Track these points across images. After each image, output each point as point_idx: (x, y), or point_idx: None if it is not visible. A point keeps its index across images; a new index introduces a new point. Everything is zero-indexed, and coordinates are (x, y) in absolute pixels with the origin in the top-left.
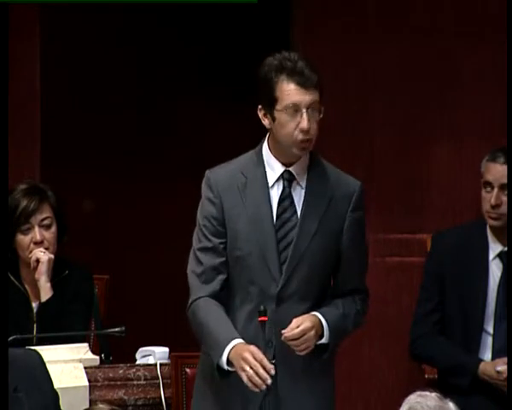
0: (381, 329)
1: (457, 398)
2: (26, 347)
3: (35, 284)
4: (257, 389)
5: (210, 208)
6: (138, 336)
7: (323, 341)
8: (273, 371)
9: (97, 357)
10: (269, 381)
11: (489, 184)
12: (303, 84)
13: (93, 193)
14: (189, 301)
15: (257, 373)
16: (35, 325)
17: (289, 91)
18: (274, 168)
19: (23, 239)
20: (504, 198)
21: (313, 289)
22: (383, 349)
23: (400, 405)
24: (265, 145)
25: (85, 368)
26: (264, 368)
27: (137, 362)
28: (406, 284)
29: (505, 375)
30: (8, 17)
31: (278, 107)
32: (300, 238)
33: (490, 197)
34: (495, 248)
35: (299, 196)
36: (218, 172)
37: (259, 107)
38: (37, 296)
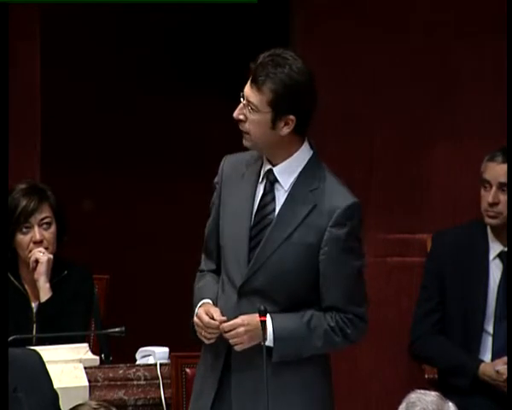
0: (381, 329)
1: (457, 398)
2: (26, 347)
3: (34, 284)
4: (208, 341)
5: (215, 193)
6: (138, 336)
7: (268, 344)
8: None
9: (97, 357)
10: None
11: (487, 182)
12: (252, 79)
13: (93, 193)
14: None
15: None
16: (34, 325)
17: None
18: (265, 166)
19: (23, 239)
20: (502, 197)
21: (281, 294)
22: (383, 349)
23: (400, 405)
24: None
25: (85, 368)
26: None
27: (137, 362)
28: (406, 284)
29: (505, 375)
30: (8, 17)
31: None
32: (270, 240)
33: (488, 196)
34: (495, 248)
35: (281, 198)
36: (231, 159)
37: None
38: (37, 296)
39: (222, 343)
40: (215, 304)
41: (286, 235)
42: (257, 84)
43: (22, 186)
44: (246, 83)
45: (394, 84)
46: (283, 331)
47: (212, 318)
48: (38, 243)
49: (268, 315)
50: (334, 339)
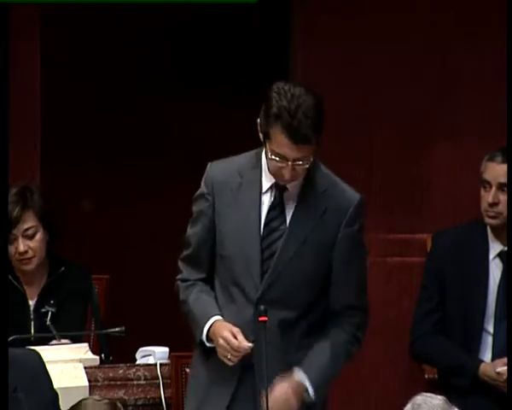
0: (381, 329)
1: (457, 398)
2: (26, 346)
3: (31, 283)
4: (231, 363)
5: (203, 204)
6: (138, 336)
7: (310, 399)
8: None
9: (97, 357)
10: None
11: (487, 182)
12: (295, 141)
13: (93, 193)
14: (176, 278)
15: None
16: (32, 323)
17: (281, 142)
18: (268, 175)
19: (9, 248)
20: (502, 197)
21: (299, 300)
22: (383, 349)
23: (400, 405)
24: (264, 151)
25: (85, 368)
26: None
27: (137, 362)
28: (406, 284)
29: (505, 376)
30: (8, 17)
31: (269, 144)
32: (285, 249)
33: (488, 196)
34: (495, 247)
35: (291, 205)
36: (218, 167)
37: (259, 121)
38: (34, 294)
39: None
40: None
41: (301, 241)
42: (304, 141)
43: (12, 191)
44: (246, 83)
45: (394, 84)
46: (320, 381)
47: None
48: (23, 253)
49: (302, 372)
50: (353, 352)
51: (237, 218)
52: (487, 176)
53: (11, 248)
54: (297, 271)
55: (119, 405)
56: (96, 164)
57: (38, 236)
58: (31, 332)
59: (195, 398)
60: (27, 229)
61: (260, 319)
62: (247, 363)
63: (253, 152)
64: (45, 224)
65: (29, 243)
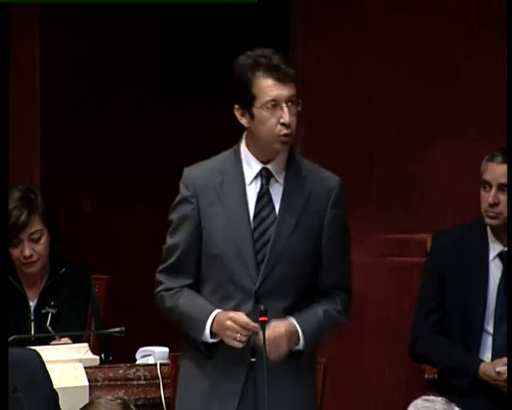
0: (381, 329)
1: (458, 398)
2: (26, 347)
3: (32, 283)
4: (240, 345)
5: (186, 208)
6: (138, 336)
7: (299, 347)
8: (255, 325)
9: (97, 357)
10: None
11: (487, 183)
12: (280, 78)
13: (93, 193)
14: (156, 291)
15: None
16: (32, 324)
17: (267, 87)
18: (252, 166)
19: (13, 252)
20: (502, 197)
21: (294, 286)
22: (383, 349)
23: (400, 405)
24: (243, 143)
25: (85, 368)
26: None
27: (137, 362)
28: (406, 283)
29: (505, 376)
30: (8, 17)
31: (257, 104)
32: (278, 236)
33: (488, 196)
34: (495, 248)
35: (277, 193)
36: (196, 170)
37: (236, 106)
38: (34, 295)
39: (240, 353)
40: None
41: (291, 228)
42: (287, 76)
43: (15, 195)
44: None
45: (394, 83)
46: (310, 333)
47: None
48: (28, 257)
49: (293, 319)
50: (342, 322)
51: (225, 214)
52: (487, 176)
53: (15, 252)
54: (291, 258)
55: (131, 406)
56: (96, 164)
57: (43, 239)
58: (31, 333)
59: (197, 402)
60: (33, 233)
61: (261, 319)
62: (249, 360)
63: (229, 150)
64: (49, 226)
65: (34, 246)
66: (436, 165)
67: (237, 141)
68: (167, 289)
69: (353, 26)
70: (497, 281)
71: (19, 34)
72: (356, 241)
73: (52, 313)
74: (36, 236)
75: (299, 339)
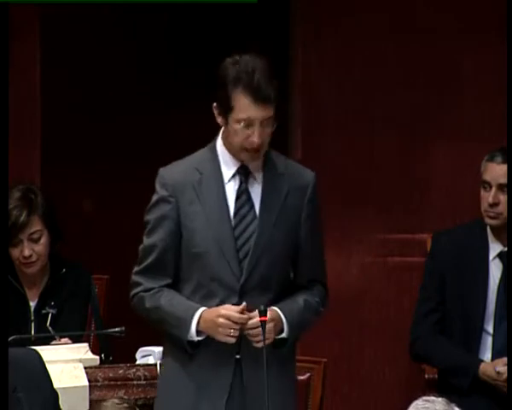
0: (381, 329)
1: (458, 398)
2: (26, 347)
3: (32, 284)
4: (232, 341)
5: (165, 208)
6: (138, 336)
7: (283, 335)
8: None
9: (97, 357)
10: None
11: (487, 183)
12: (258, 100)
13: (93, 193)
14: (134, 292)
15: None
16: (33, 324)
17: (244, 106)
18: (229, 164)
19: (12, 251)
20: (502, 197)
21: (276, 281)
22: (383, 349)
23: (400, 405)
24: (219, 141)
25: (85, 368)
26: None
27: (137, 362)
28: (406, 283)
29: (505, 375)
30: (8, 17)
31: (233, 115)
32: (260, 233)
33: (488, 196)
34: (495, 248)
35: (255, 190)
36: (172, 170)
37: (215, 105)
38: (35, 295)
39: (226, 350)
40: None
41: (272, 222)
42: (266, 98)
43: (15, 195)
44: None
45: (394, 83)
46: (293, 321)
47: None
48: (27, 257)
49: (277, 308)
50: (320, 312)
51: (205, 213)
52: (487, 176)
53: (15, 252)
54: (273, 253)
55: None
56: (96, 164)
57: (43, 239)
58: (31, 334)
59: (185, 401)
60: (33, 233)
61: (260, 319)
62: (235, 356)
63: (205, 148)
64: (49, 227)
65: (34, 246)
66: (436, 165)
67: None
68: (146, 290)
69: (353, 26)
70: (497, 281)
71: (19, 34)
72: (356, 241)
73: (52, 314)
74: (35, 236)
75: (283, 327)
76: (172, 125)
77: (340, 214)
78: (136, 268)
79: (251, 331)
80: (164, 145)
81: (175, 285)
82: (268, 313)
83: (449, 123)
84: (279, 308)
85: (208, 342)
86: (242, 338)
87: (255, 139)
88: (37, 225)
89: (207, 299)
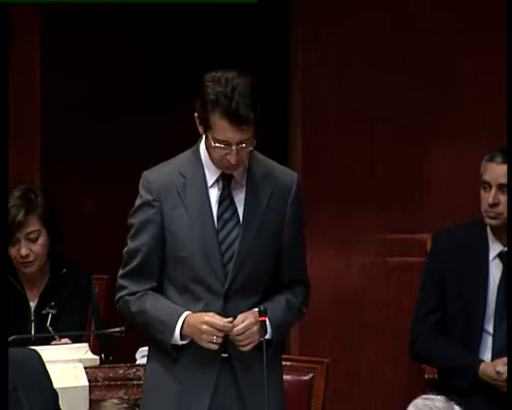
0: (381, 329)
1: (458, 398)
2: (26, 347)
3: (32, 284)
4: (216, 347)
5: (149, 211)
6: (138, 336)
7: (267, 337)
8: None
9: (97, 357)
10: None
11: (487, 183)
12: (236, 123)
13: (93, 193)
14: (119, 296)
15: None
16: (33, 324)
17: (221, 128)
18: (212, 169)
19: (10, 250)
20: (502, 198)
21: (259, 284)
22: (383, 349)
23: (400, 405)
24: (203, 145)
25: (85, 368)
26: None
27: (137, 362)
28: (406, 283)
29: (505, 375)
30: (8, 17)
31: (211, 133)
32: (243, 237)
33: (488, 197)
34: (495, 248)
35: (239, 194)
36: (156, 173)
37: (196, 115)
38: (35, 296)
39: (211, 351)
40: None
41: (256, 226)
42: (245, 121)
43: (14, 194)
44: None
45: (394, 84)
46: (277, 322)
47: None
48: (25, 256)
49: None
50: (303, 312)
51: (189, 217)
52: (487, 177)
53: (13, 251)
54: (257, 256)
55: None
56: (96, 164)
57: (41, 239)
58: (31, 334)
59: (168, 405)
60: (30, 233)
61: (260, 318)
62: (220, 356)
63: (188, 151)
64: (48, 227)
65: (31, 246)
66: (436, 165)
67: None
68: (131, 294)
69: (353, 26)
70: (497, 281)
71: (19, 34)
72: (356, 241)
73: (52, 314)
74: (33, 236)
75: (266, 329)
76: (172, 125)
77: (340, 214)
78: (120, 271)
79: (237, 337)
80: (164, 145)
81: (160, 289)
82: (252, 315)
83: (449, 123)
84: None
85: (192, 345)
86: (227, 337)
87: (231, 160)
88: (34, 225)
89: (192, 303)
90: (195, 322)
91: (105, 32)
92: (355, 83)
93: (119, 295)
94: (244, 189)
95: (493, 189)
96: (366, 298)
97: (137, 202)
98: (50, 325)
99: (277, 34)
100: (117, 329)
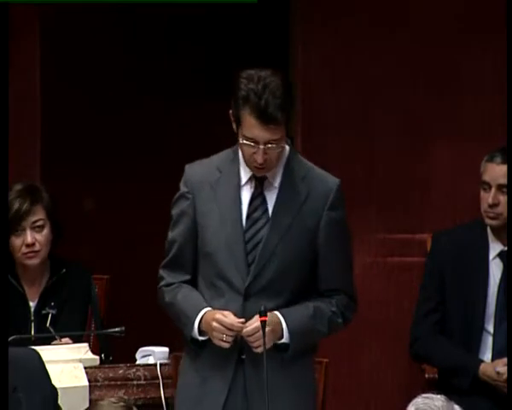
0: (381, 329)
1: (457, 398)
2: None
3: (32, 284)
4: (227, 345)
5: (183, 204)
6: (138, 336)
7: (284, 341)
8: (242, 325)
9: (97, 357)
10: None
11: (487, 183)
12: (264, 122)
13: (93, 193)
14: (158, 286)
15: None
16: (32, 324)
17: (250, 125)
18: (247, 167)
19: (15, 241)
20: (502, 198)
21: (285, 286)
22: (383, 349)
23: (400, 405)
24: None
25: (85, 368)
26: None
27: (137, 362)
28: (406, 284)
29: (505, 376)
30: (8, 17)
31: (241, 131)
32: (270, 237)
33: (487, 197)
34: (495, 247)
35: (271, 195)
36: (195, 167)
37: (230, 111)
38: (35, 296)
39: (229, 351)
40: None
41: (284, 229)
42: (273, 120)
43: (17, 187)
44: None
45: (394, 84)
46: (297, 327)
47: None
48: (30, 245)
49: (278, 313)
50: (337, 323)
51: (219, 213)
52: (487, 177)
53: (18, 241)
54: (282, 259)
55: (134, 408)
56: (96, 164)
57: (46, 230)
58: (31, 334)
59: (189, 399)
60: (36, 221)
61: (260, 319)
62: (239, 357)
63: (230, 149)
64: (52, 220)
65: (36, 235)
66: (436, 165)
67: (236, 142)
68: (167, 285)
69: (353, 26)
70: (498, 281)
71: (19, 34)
72: (356, 241)
73: (52, 314)
74: (39, 223)
75: (283, 333)
76: (172, 124)
77: None
78: (163, 261)
79: (248, 338)
80: (164, 145)
81: (194, 282)
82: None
83: (449, 123)
84: (282, 314)
85: (212, 342)
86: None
87: (258, 159)
88: (40, 214)
89: (215, 298)
90: (208, 319)
91: (105, 32)
92: (355, 83)
93: (159, 285)
94: (277, 189)
95: (493, 189)
96: (366, 298)
97: (177, 193)
98: (50, 325)
99: (277, 34)
100: (117, 329)
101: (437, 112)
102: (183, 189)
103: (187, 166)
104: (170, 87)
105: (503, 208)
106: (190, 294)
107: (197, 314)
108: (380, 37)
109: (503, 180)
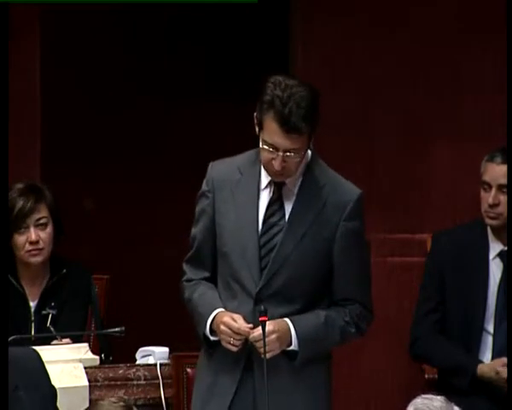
0: (381, 329)
1: (457, 398)
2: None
3: (32, 284)
4: (235, 349)
5: (204, 202)
6: (138, 336)
7: (292, 348)
8: (249, 330)
9: (97, 357)
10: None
11: (487, 183)
12: (286, 130)
13: (93, 192)
14: (181, 280)
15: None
16: (33, 324)
17: (271, 131)
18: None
19: (19, 239)
20: (502, 198)
21: (298, 294)
22: (383, 349)
23: (400, 405)
24: None
25: (85, 368)
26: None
27: (137, 362)
28: (406, 283)
29: (505, 376)
30: (8, 17)
31: (262, 135)
32: (285, 243)
33: (488, 197)
34: (495, 247)
35: (289, 200)
36: (218, 165)
37: (255, 114)
38: (35, 295)
39: (237, 353)
40: None
41: (300, 236)
42: (294, 130)
43: (19, 186)
44: (246, 83)
45: (394, 84)
46: (306, 335)
47: None
48: (34, 243)
49: (288, 320)
50: (350, 333)
51: (236, 214)
52: (487, 177)
53: (21, 239)
54: (296, 266)
55: (134, 408)
56: (96, 164)
57: (49, 228)
58: (31, 334)
59: (200, 397)
60: (40, 218)
61: (260, 319)
62: (247, 360)
63: (253, 150)
64: (54, 219)
65: (40, 233)
66: (436, 165)
67: (237, 142)
68: (188, 280)
69: (353, 27)
70: (498, 281)
71: (19, 34)
72: None
73: (52, 314)
74: (43, 221)
75: (291, 340)
76: (172, 125)
77: None
78: (186, 255)
79: (255, 343)
80: (164, 145)
81: (214, 279)
82: (274, 324)
83: (449, 123)
84: (291, 321)
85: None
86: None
87: (275, 166)
88: (44, 212)
89: (230, 299)
90: (218, 321)
91: (105, 31)
92: (355, 83)
93: (182, 279)
94: (295, 195)
95: (493, 189)
96: None
97: (200, 191)
98: (50, 324)
99: (277, 34)
100: (117, 329)
101: (437, 112)
102: (204, 187)
103: (210, 165)
104: (170, 87)
105: (503, 208)
106: (207, 292)
107: (210, 314)
108: (380, 37)
109: (504, 180)
